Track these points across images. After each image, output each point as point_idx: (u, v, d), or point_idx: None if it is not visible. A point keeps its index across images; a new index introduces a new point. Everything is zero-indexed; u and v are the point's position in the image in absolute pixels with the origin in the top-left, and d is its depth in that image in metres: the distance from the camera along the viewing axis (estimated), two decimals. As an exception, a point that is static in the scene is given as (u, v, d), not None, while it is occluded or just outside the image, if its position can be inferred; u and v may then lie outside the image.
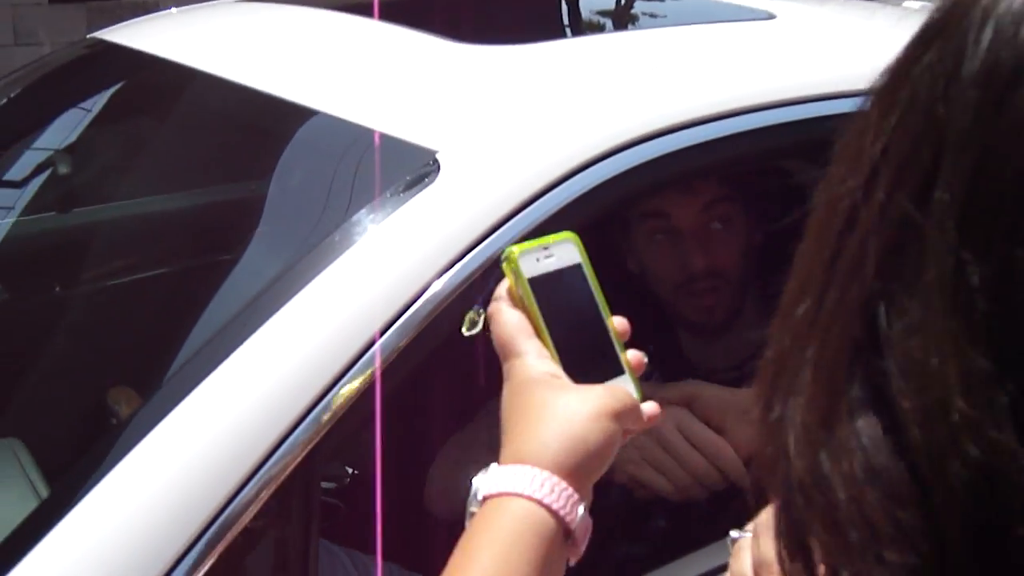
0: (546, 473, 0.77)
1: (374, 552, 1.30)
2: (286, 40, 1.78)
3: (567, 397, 0.81)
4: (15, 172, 1.99)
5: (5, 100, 2.02)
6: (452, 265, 1.15)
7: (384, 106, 1.40)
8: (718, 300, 1.63)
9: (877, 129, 0.47)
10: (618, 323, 0.88)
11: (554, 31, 1.94)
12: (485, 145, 1.27)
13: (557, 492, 0.76)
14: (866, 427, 0.44)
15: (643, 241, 1.64)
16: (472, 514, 0.79)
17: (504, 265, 0.85)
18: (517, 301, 0.85)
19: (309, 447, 1.06)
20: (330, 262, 1.14)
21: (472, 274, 1.15)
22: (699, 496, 1.34)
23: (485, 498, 0.78)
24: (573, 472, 0.78)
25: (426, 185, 1.20)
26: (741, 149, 1.37)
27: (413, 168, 1.22)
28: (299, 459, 1.05)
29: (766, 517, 1.01)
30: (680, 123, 1.31)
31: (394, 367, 1.10)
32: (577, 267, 0.87)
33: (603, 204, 1.25)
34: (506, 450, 0.80)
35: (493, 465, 0.80)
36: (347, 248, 1.15)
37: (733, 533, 0.99)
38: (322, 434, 1.06)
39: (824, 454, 0.45)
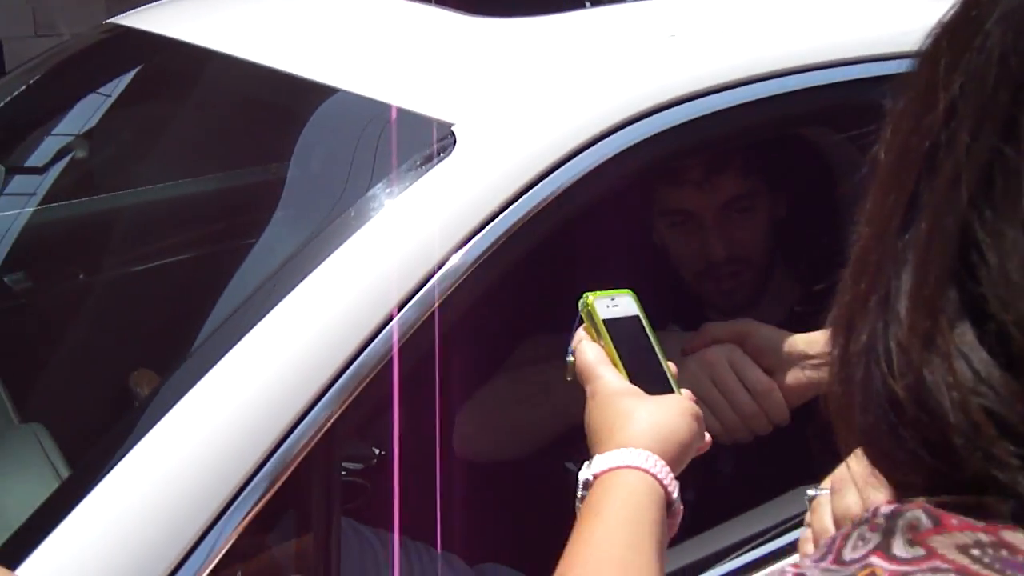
0: (648, 452, 0.87)
1: (399, 528, 1.30)
2: (302, 18, 1.77)
3: (653, 401, 0.93)
4: (35, 159, 1.99)
5: (24, 87, 2.02)
6: (470, 238, 1.14)
7: (400, 80, 1.39)
8: (739, 284, 1.62)
9: (947, 80, 0.51)
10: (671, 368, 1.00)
11: (572, 2, 1.92)
12: (501, 118, 1.26)
13: (660, 467, 0.86)
14: (964, 341, 0.49)
15: (664, 230, 1.65)
16: (582, 497, 0.87)
17: (582, 310, 1.01)
18: (594, 338, 1.00)
19: (328, 424, 1.05)
20: (348, 237, 1.13)
21: (490, 247, 1.14)
22: (744, 439, 1.32)
23: (596, 476, 0.86)
24: (667, 461, 0.87)
25: (443, 158, 1.18)
26: (761, 116, 1.35)
27: (430, 141, 1.21)
28: (318, 437, 1.04)
29: (842, 472, 1.00)
30: (698, 91, 1.29)
31: (412, 341, 1.09)
32: (636, 318, 1.02)
33: (619, 175, 1.24)
34: (602, 448, 0.89)
35: (595, 455, 0.89)
36: (364, 223, 1.14)
37: (810, 491, 1.05)
38: (340, 411, 1.05)
39: (927, 370, 0.49)
